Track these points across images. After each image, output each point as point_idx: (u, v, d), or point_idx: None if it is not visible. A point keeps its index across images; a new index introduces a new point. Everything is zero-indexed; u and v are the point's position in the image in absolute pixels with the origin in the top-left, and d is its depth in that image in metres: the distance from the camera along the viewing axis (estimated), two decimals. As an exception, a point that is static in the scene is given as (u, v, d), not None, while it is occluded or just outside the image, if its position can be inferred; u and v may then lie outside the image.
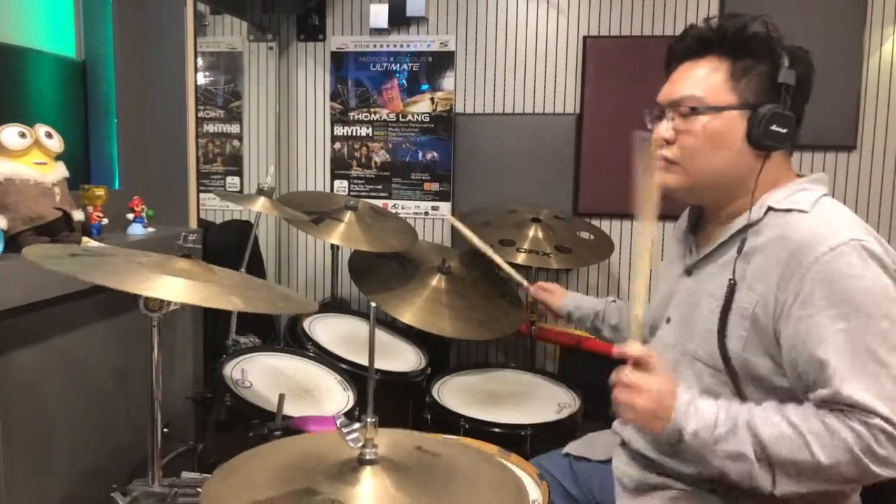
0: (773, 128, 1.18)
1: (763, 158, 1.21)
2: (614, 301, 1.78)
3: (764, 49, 1.21)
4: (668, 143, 1.27)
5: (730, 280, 1.20)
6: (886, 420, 1.05)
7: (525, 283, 2.05)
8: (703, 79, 1.24)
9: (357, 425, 0.94)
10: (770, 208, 1.21)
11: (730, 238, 1.25)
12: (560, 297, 1.89)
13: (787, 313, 1.12)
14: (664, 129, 1.27)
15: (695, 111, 1.23)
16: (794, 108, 1.20)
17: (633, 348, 1.17)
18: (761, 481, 1.09)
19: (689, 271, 1.33)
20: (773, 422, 1.10)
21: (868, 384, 1.06)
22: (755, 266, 1.19)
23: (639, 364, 1.16)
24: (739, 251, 1.21)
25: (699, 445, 1.12)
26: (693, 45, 1.27)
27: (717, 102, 1.22)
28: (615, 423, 1.46)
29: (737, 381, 1.20)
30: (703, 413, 1.13)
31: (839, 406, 1.08)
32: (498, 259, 2.12)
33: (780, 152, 1.24)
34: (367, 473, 0.92)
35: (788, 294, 1.12)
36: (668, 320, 1.35)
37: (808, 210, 1.18)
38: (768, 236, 1.19)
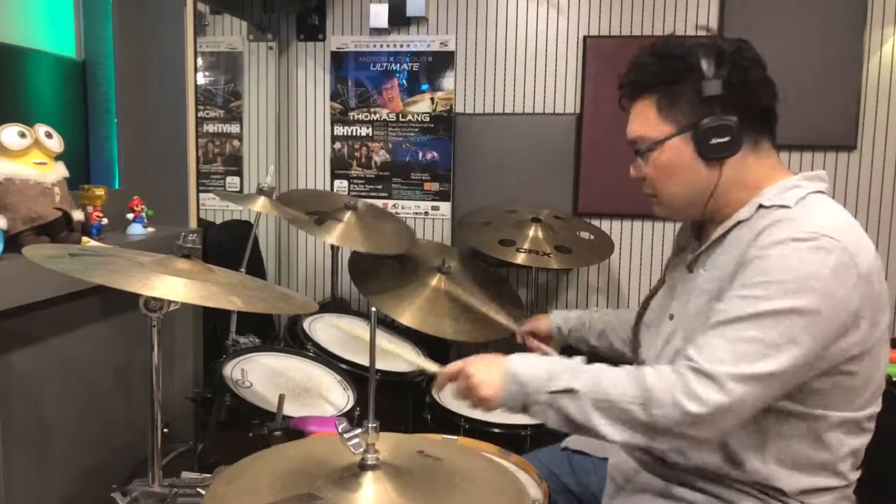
0: (714, 141, 1.21)
1: (720, 167, 1.23)
2: (596, 310, 1.80)
3: (681, 73, 1.23)
4: (641, 180, 1.34)
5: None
6: (710, 361, 1.09)
7: (514, 327, 2.04)
8: (640, 118, 1.30)
9: (358, 430, 0.94)
10: (761, 206, 1.22)
11: (721, 235, 1.27)
12: (545, 321, 1.86)
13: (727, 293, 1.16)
14: (632, 170, 1.35)
15: (643, 152, 1.29)
16: (737, 108, 1.20)
17: (443, 371, 1.32)
18: (595, 422, 1.14)
19: (689, 268, 1.35)
20: (609, 368, 1.18)
21: (724, 334, 1.11)
22: (729, 259, 1.21)
23: (455, 375, 1.29)
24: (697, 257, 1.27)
25: (538, 386, 1.18)
26: (626, 88, 1.33)
27: (656, 136, 1.26)
28: None
29: None
30: (538, 360, 1.24)
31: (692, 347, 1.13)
32: (487, 310, 2.19)
33: (760, 149, 1.26)
34: (369, 478, 0.91)
35: (736, 275, 1.16)
36: (672, 317, 1.36)
37: (791, 205, 1.18)
38: (750, 232, 1.20)
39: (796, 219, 1.15)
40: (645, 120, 1.28)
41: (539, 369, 1.20)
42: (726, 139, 1.21)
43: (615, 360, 1.72)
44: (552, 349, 1.84)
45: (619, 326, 1.70)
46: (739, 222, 1.24)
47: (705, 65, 1.20)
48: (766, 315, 1.08)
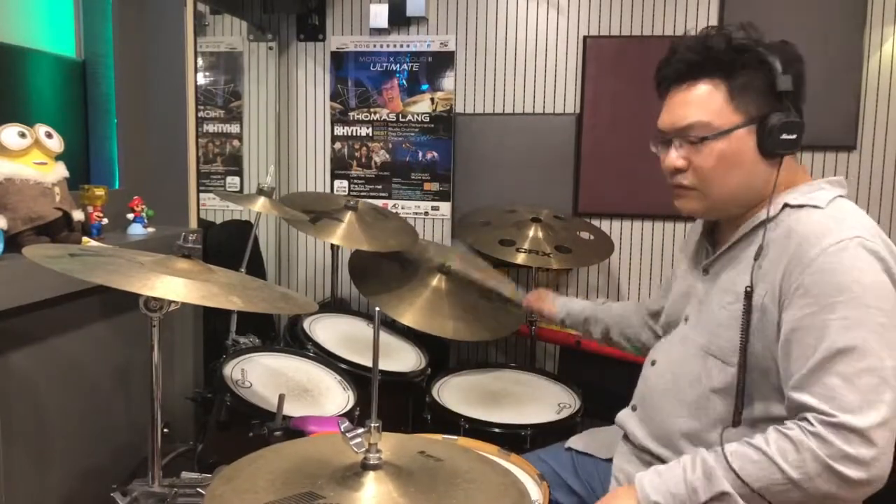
0: (784, 136, 1.19)
1: (778, 164, 1.22)
2: (603, 302, 1.80)
3: (755, 61, 1.21)
4: (681, 170, 1.28)
5: (746, 287, 1.20)
6: (850, 412, 1.06)
7: (520, 299, 2.07)
8: (703, 103, 1.23)
9: (361, 430, 0.94)
10: (786, 205, 1.23)
11: (745, 235, 1.26)
12: (552, 304, 1.89)
13: (789, 302, 1.14)
14: (675, 157, 1.28)
15: (705, 139, 1.23)
16: (798, 107, 1.22)
17: None
18: None
19: (705, 270, 1.35)
20: (739, 453, 1.12)
21: (843, 373, 1.07)
22: (767, 259, 1.20)
23: None
24: (758, 253, 1.21)
25: (682, 503, 1.13)
26: (683, 68, 1.26)
27: (724, 125, 1.22)
28: (619, 415, 1.46)
29: (743, 372, 1.20)
30: (668, 473, 1.17)
31: (807, 393, 1.09)
32: (489, 282, 2.19)
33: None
34: (371, 478, 0.91)
35: (792, 283, 1.14)
36: (687, 319, 1.36)
37: (822, 206, 1.19)
38: (779, 231, 1.21)
39: (839, 220, 1.16)
40: (708, 105, 1.23)
41: (673, 484, 1.14)
42: (794, 136, 1.19)
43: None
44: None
45: (625, 325, 1.71)
46: (762, 221, 1.23)
47: (773, 59, 1.19)
48: (868, 339, 1.07)
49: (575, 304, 1.85)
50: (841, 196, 1.23)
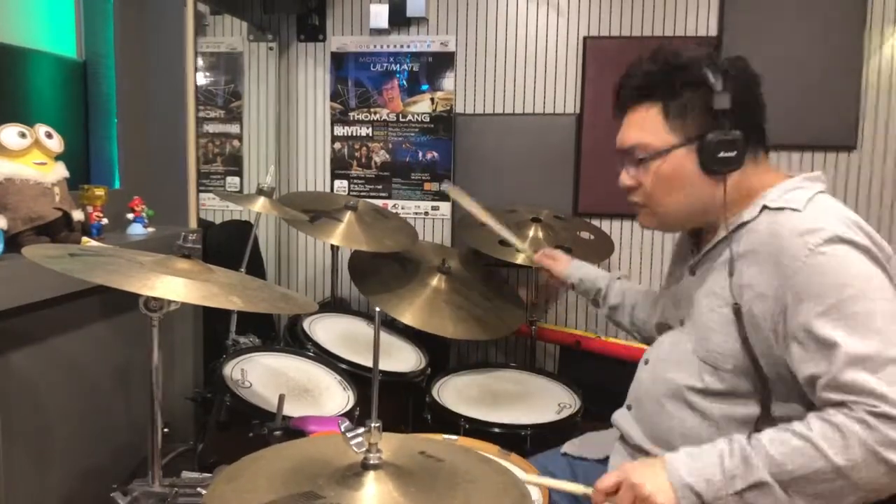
0: (722, 154, 1.21)
1: (723, 181, 1.23)
2: (619, 278, 1.78)
3: (692, 82, 1.22)
4: (633, 188, 1.32)
5: (734, 304, 1.20)
6: (892, 404, 1.03)
7: (527, 248, 2.03)
8: (642, 125, 1.28)
9: (361, 430, 0.94)
10: (765, 207, 1.22)
11: (725, 237, 1.26)
12: (565, 264, 1.85)
13: (785, 312, 1.13)
14: (625, 177, 1.32)
15: (643, 160, 1.27)
16: (742, 123, 1.21)
17: (599, 487, 1.16)
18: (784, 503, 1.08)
19: (692, 270, 1.35)
20: (779, 439, 1.09)
21: (871, 367, 1.05)
22: (749, 265, 1.19)
23: (615, 488, 1.15)
24: (731, 268, 1.22)
25: (717, 491, 1.09)
26: (631, 92, 1.31)
27: (660, 146, 1.25)
28: (615, 415, 1.46)
29: (763, 377, 1.19)
30: (703, 457, 1.13)
31: (843, 391, 1.07)
32: (499, 227, 2.07)
33: (758, 160, 1.26)
34: (371, 478, 0.91)
35: (786, 290, 1.12)
36: (682, 322, 1.36)
37: (801, 209, 1.18)
38: (761, 235, 1.20)
39: (818, 220, 1.14)
40: (646, 127, 1.26)
41: (709, 470, 1.10)
42: (732, 154, 1.20)
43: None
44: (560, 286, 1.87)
45: (638, 309, 1.70)
46: (743, 223, 1.23)
47: (712, 78, 1.20)
48: (883, 329, 1.06)
49: (590, 270, 1.81)
50: (820, 193, 1.22)
